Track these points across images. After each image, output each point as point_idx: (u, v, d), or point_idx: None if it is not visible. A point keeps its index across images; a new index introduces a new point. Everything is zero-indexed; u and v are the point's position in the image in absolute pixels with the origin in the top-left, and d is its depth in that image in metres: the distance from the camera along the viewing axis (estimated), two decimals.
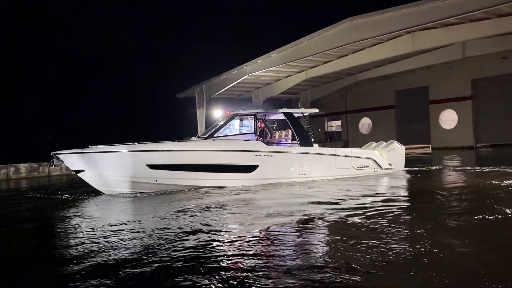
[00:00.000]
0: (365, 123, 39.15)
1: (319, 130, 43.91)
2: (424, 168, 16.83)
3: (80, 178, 13.30)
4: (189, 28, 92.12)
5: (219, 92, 30.43)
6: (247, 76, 26.87)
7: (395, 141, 15.96)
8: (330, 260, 5.31)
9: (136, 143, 13.09)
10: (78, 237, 7.27)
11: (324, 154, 14.56)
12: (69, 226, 8.46)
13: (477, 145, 30.92)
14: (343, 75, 32.07)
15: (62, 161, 13.10)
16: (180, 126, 44.23)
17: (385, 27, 18.77)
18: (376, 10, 18.74)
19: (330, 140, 40.78)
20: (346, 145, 36.66)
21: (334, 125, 43.46)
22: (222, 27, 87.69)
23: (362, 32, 19.62)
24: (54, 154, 12.97)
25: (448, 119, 32.51)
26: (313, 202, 9.98)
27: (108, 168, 12.74)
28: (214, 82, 30.63)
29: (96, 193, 13.20)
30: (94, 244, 6.59)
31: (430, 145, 33.63)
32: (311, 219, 7.88)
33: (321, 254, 5.61)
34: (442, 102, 32.65)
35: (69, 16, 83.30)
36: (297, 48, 23.10)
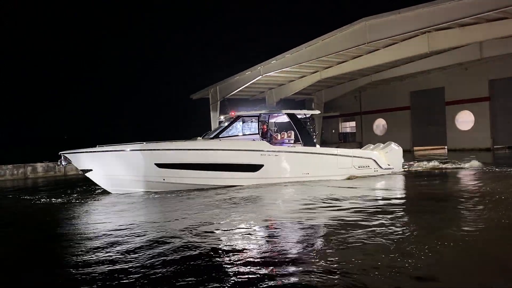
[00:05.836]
0: (379, 124, 38.80)
1: (333, 131, 43.78)
2: (422, 169, 17.43)
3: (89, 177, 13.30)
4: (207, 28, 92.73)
5: (233, 93, 30.44)
6: (260, 76, 26.83)
7: (393, 143, 16.42)
8: (329, 259, 5.30)
9: (144, 143, 13.18)
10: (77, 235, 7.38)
11: (326, 154, 14.79)
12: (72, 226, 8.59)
13: (494, 146, 30.41)
14: (357, 76, 31.84)
15: (70, 161, 13.09)
16: (194, 127, 44.37)
17: (401, 28, 18.59)
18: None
19: (344, 141, 40.49)
20: (360, 146, 36.34)
21: (348, 126, 43.14)
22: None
23: (377, 33, 19.45)
24: (62, 153, 13.02)
25: (465, 120, 32.02)
26: (317, 201, 10.04)
27: (116, 167, 12.83)
28: (228, 83, 30.67)
29: (104, 193, 13.20)
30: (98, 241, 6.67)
31: (446, 147, 33.19)
32: (315, 217, 7.90)
33: (322, 254, 5.60)
34: (458, 103, 32.18)
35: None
36: (311, 49, 22.99)
